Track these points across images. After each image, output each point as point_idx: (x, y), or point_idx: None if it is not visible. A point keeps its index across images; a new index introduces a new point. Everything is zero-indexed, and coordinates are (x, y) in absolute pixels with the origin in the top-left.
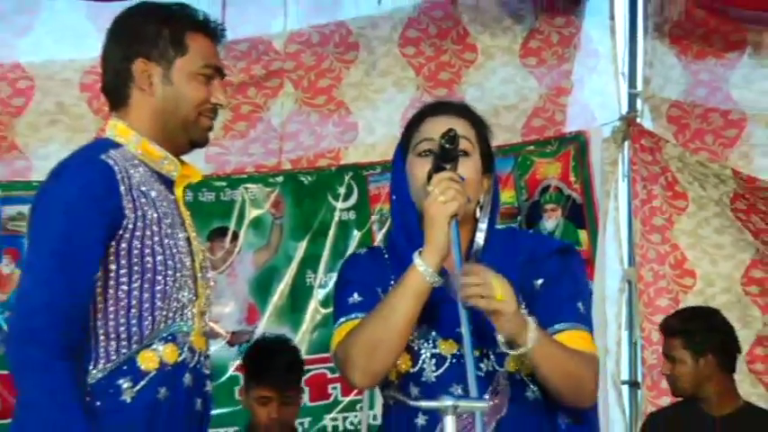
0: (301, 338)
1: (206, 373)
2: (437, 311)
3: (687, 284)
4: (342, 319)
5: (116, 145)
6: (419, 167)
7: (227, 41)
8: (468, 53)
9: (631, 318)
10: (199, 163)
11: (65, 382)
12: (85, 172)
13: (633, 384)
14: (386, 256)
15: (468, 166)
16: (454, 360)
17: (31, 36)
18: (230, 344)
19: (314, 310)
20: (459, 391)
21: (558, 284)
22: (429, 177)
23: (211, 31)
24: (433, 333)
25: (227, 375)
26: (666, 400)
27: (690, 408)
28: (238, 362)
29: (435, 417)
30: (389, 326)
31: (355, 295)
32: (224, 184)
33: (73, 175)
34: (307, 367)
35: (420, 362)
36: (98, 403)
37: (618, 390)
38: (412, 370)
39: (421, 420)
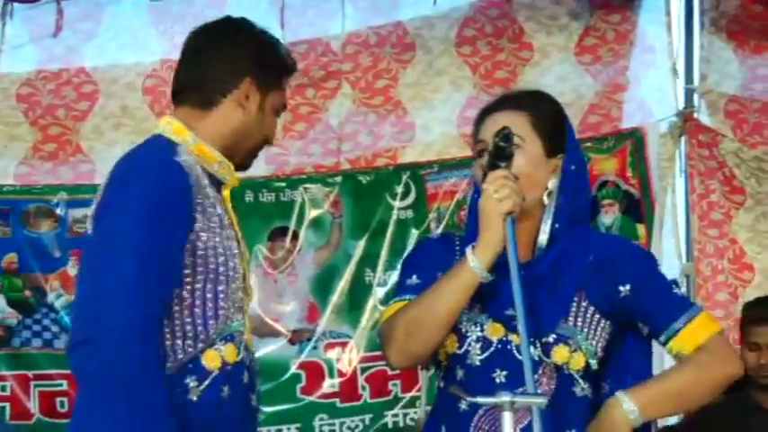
0: (360, 336)
1: (256, 370)
2: (490, 294)
3: (746, 279)
4: (396, 298)
5: (173, 144)
6: (477, 168)
7: (285, 43)
8: (525, 51)
9: None
10: (259, 164)
11: (162, 397)
12: (163, 174)
13: None
14: (457, 244)
15: (521, 160)
16: (500, 345)
17: (95, 41)
18: (291, 342)
19: (372, 307)
20: (503, 377)
21: (650, 284)
22: (484, 175)
23: (292, 74)
24: (483, 315)
25: (289, 373)
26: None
27: (741, 401)
28: (299, 360)
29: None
30: (433, 312)
31: (414, 277)
32: (284, 184)
33: (149, 179)
34: (366, 365)
35: (466, 344)
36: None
37: None
38: (458, 351)
39: (463, 405)
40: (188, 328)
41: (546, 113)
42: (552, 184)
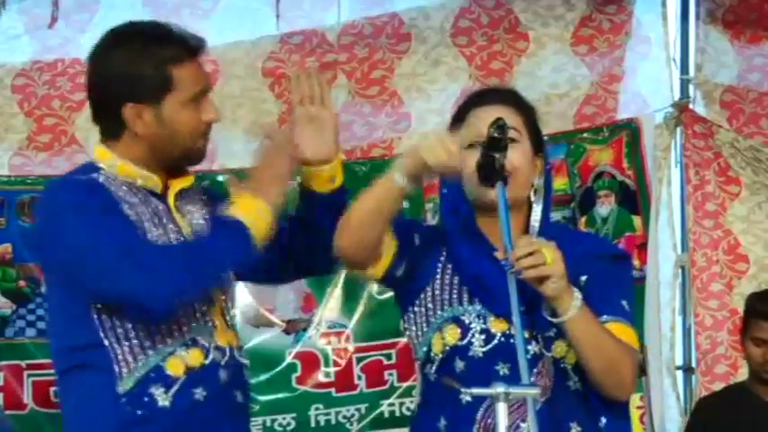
0: (356, 325)
1: (243, 363)
2: (491, 289)
3: (741, 269)
4: None
5: (97, 168)
6: (468, 159)
7: (281, 34)
8: (521, 42)
9: (685, 303)
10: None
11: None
12: (81, 184)
13: (687, 370)
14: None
15: (518, 153)
16: (503, 338)
17: (90, 32)
18: (287, 332)
19: (368, 297)
20: (506, 370)
21: (604, 283)
22: (478, 168)
23: (193, 52)
24: (485, 310)
25: (285, 363)
26: (721, 386)
27: (740, 392)
28: (295, 350)
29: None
30: (356, 210)
31: (416, 237)
32: None
33: (69, 188)
34: (362, 354)
35: (469, 335)
36: (138, 412)
37: (672, 375)
38: (460, 343)
39: (466, 397)
40: (137, 338)
41: (531, 111)
42: (538, 182)
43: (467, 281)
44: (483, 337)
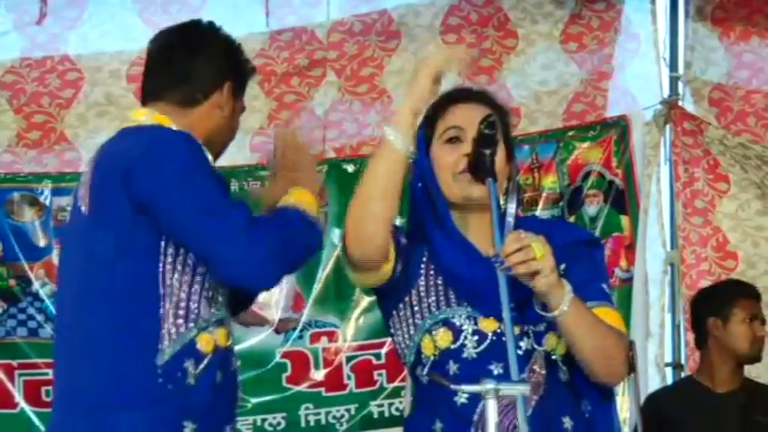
0: (346, 325)
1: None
2: (477, 289)
3: (729, 267)
4: None
5: None
6: (448, 154)
7: (270, 32)
8: (510, 39)
9: (674, 300)
10: (244, 152)
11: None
12: (186, 137)
13: (677, 366)
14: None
15: (499, 153)
16: (495, 338)
17: (79, 29)
18: (277, 331)
19: (359, 297)
20: (500, 369)
21: (581, 268)
22: (469, 163)
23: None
24: (474, 311)
25: (274, 362)
26: None
27: (691, 385)
28: (285, 349)
29: (477, 395)
30: (369, 191)
31: (402, 240)
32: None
33: (179, 142)
34: (352, 354)
35: (462, 338)
36: (169, 386)
37: (662, 372)
38: (452, 346)
39: (462, 399)
40: (181, 306)
41: (505, 113)
42: (510, 183)
43: (452, 283)
44: (475, 338)
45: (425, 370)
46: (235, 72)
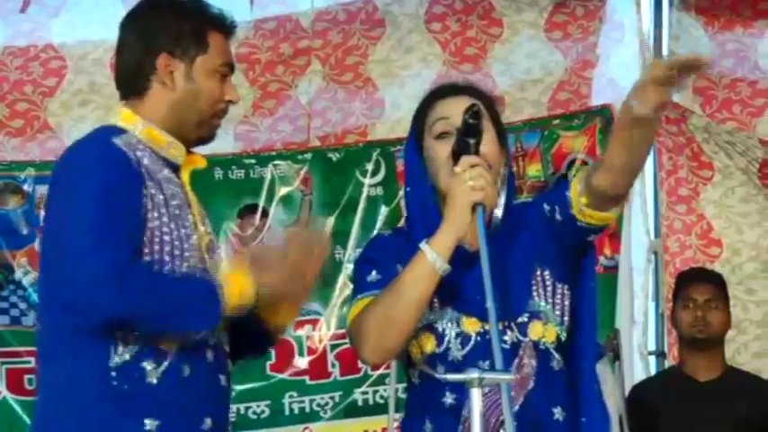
0: (330, 313)
1: (226, 351)
2: (458, 290)
3: (714, 254)
4: (359, 296)
5: (120, 131)
6: (439, 149)
7: (254, 20)
8: (494, 28)
9: (658, 289)
10: (228, 141)
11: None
12: (103, 154)
13: (660, 355)
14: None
15: (490, 141)
16: (479, 338)
17: (63, 17)
18: None
19: (343, 284)
20: (487, 367)
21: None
22: (454, 154)
23: (228, 29)
24: (456, 313)
25: None
26: None
27: (674, 375)
28: None
29: (463, 396)
30: (401, 305)
31: (374, 273)
32: (253, 161)
33: (92, 160)
34: (336, 342)
35: (445, 342)
36: (125, 387)
37: (645, 360)
38: (437, 350)
39: (449, 399)
40: None
41: (493, 103)
42: (503, 171)
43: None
44: (459, 340)
45: (416, 372)
46: (171, 38)
